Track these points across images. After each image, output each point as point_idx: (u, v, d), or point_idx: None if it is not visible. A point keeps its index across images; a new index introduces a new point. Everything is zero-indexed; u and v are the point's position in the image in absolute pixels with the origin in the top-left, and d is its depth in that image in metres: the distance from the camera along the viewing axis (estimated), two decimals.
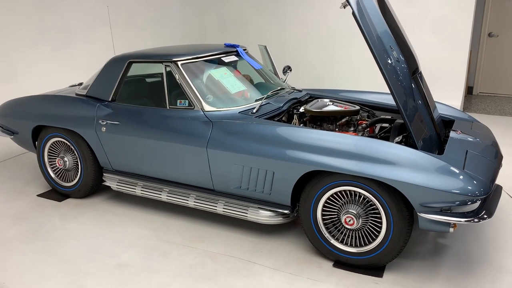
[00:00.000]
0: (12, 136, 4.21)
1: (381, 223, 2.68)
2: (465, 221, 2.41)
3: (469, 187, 2.38)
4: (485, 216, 2.44)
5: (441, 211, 2.46)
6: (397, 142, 2.92)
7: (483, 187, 2.42)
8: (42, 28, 6.27)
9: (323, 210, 2.84)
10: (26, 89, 5.60)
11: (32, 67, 6.20)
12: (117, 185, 3.70)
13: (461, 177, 2.42)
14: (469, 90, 8.24)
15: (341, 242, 2.85)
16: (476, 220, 2.41)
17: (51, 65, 6.43)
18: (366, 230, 2.76)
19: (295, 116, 3.44)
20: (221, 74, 3.53)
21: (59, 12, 6.47)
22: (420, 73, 3.20)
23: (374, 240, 2.73)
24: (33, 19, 6.13)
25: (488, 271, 2.79)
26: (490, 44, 7.92)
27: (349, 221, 2.74)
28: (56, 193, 4.07)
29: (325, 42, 7.49)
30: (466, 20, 6.38)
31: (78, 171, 3.88)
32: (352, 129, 3.33)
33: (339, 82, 7.25)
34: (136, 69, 3.70)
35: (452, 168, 2.46)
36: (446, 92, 6.51)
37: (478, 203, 2.50)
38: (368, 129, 3.26)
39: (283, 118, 3.39)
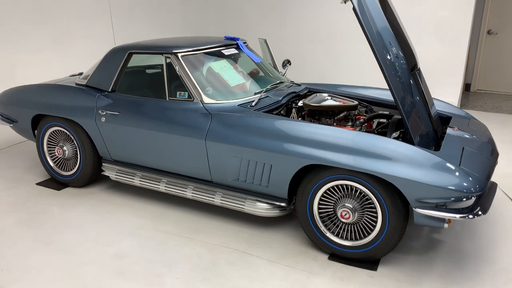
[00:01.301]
0: (12, 125, 4.21)
1: (376, 217, 2.71)
2: (460, 217, 2.44)
3: (464, 184, 2.41)
4: (480, 212, 2.47)
5: (436, 207, 2.48)
6: (394, 138, 2.94)
7: (478, 184, 2.45)
8: (42, 18, 6.25)
9: (319, 204, 2.87)
10: (26, 78, 5.60)
11: (32, 56, 6.18)
12: (115, 175, 3.72)
13: (457, 173, 2.45)
14: (466, 87, 8.26)
15: (337, 235, 2.88)
16: (470, 216, 2.44)
17: (51, 55, 6.42)
18: (361, 224, 2.80)
19: (293, 110, 3.45)
20: (221, 67, 3.54)
21: (60, 2, 6.45)
22: (419, 69, 3.22)
23: (369, 234, 2.76)
24: (33, 8, 6.11)
25: (482, 267, 2.83)
26: (489, 42, 7.93)
27: (345, 215, 2.77)
28: (55, 182, 4.09)
29: (324, 37, 7.49)
30: (465, 17, 6.38)
31: (77, 161, 3.90)
32: (350, 124, 3.35)
33: (338, 77, 7.25)
34: (136, 60, 3.70)
35: (448, 164, 2.48)
36: (443, 88, 6.52)
37: (473, 199, 2.52)
38: (366, 124, 3.28)
39: (282, 112, 3.41)
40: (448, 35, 6.55)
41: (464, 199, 2.42)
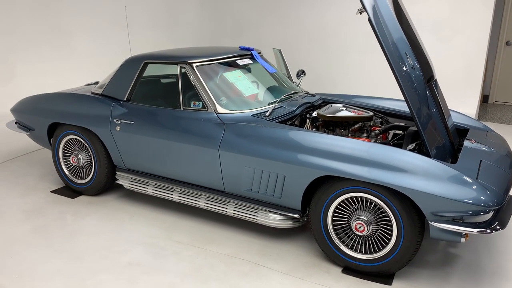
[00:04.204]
0: (28, 133, 4.27)
1: (391, 230, 2.67)
2: (477, 231, 2.39)
3: (482, 197, 2.36)
4: (498, 227, 2.41)
5: (453, 221, 2.44)
6: (410, 150, 2.91)
7: (496, 198, 2.40)
8: (59, 28, 6.36)
9: (333, 216, 2.84)
10: (43, 87, 5.69)
11: (49, 65, 6.29)
12: (129, 184, 3.74)
13: (474, 187, 2.40)
14: (484, 99, 8.15)
15: (351, 248, 2.84)
16: (488, 231, 2.39)
17: (68, 64, 6.52)
18: (376, 237, 2.75)
19: (307, 121, 3.44)
20: (235, 77, 3.55)
21: (78, 11, 6.56)
22: (435, 80, 3.18)
23: (384, 247, 2.72)
24: (50, 18, 6.22)
25: (499, 283, 2.76)
26: (507, 53, 7.82)
27: (360, 227, 2.73)
28: (69, 190, 4.12)
29: (340, 47, 7.48)
30: (483, 28, 6.32)
31: (91, 169, 3.92)
32: (365, 135, 3.32)
33: (353, 87, 7.22)
34: (152, 70, 3.73)
35: (465, 177, 2.44)
36: (461, 100, 6.44)
37: (491, 213, 2.47)
38: (381, 135, 3.25)
39: (296, 122, 3.39)
40: (465, 46, 6.49)
41: (482, 213, 2.37)
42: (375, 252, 2.76)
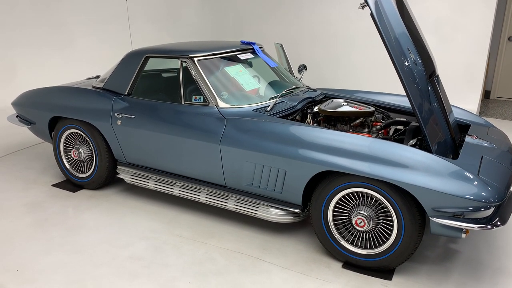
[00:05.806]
0: (29, 126, 4.27)
1: (392, 226, 2.67)
2: (478, 227, 2.39)
3: (483, 193, 2.36)
4: (499, 223, 2.41)
5: (454, 216, 2.44)
6: (411, 145, 2.90)
7: (497, 194, 2.40)
8: (60, 22, 6.34)
9: (334, 211, 2.84)
10: (44, 81, 5.68)
11: (50, 59, 6.28)
12: (130, 178, 3.74)
13: (475, 182, 2.40)
14: (486, 94, 8.13)
15: (351, 243, 2.85)
16: (489, 227, 2.39)
17: (69, 58, 6.51)
18: (377, 232, 2.76)
19: (309, 116, 3.43)
20: (237, 71, 3.54)
21: (79, 6, 6.54)
22: (437, 76, 3.17)
23: (384, 242, 2.72)
24: (51, 12, 6.21)
25: (500, 279, 2.76)
26: (509, 48, 7.80)
27: (360, 222, 2.74)
28: (71, 184, 4.13)
29: (341, 42, 7.46)
30: (485, 23, 6.30)
31: (92, 163, 3.93)
32: (366, 130, 3.32)
33: (355, 82, 7.21)
34: (153, 64, 3.72)
35: (466, 173, 2.44)
36: (462, 96, 6.44)
37: (492, 209, 2.47)
38: (383, 131, 3.24)
39: (297, 117, 3.39)
40: (468, 41, 6.47)
41: (483, 209, 2.37)
42: (376, 247, 2.76)
